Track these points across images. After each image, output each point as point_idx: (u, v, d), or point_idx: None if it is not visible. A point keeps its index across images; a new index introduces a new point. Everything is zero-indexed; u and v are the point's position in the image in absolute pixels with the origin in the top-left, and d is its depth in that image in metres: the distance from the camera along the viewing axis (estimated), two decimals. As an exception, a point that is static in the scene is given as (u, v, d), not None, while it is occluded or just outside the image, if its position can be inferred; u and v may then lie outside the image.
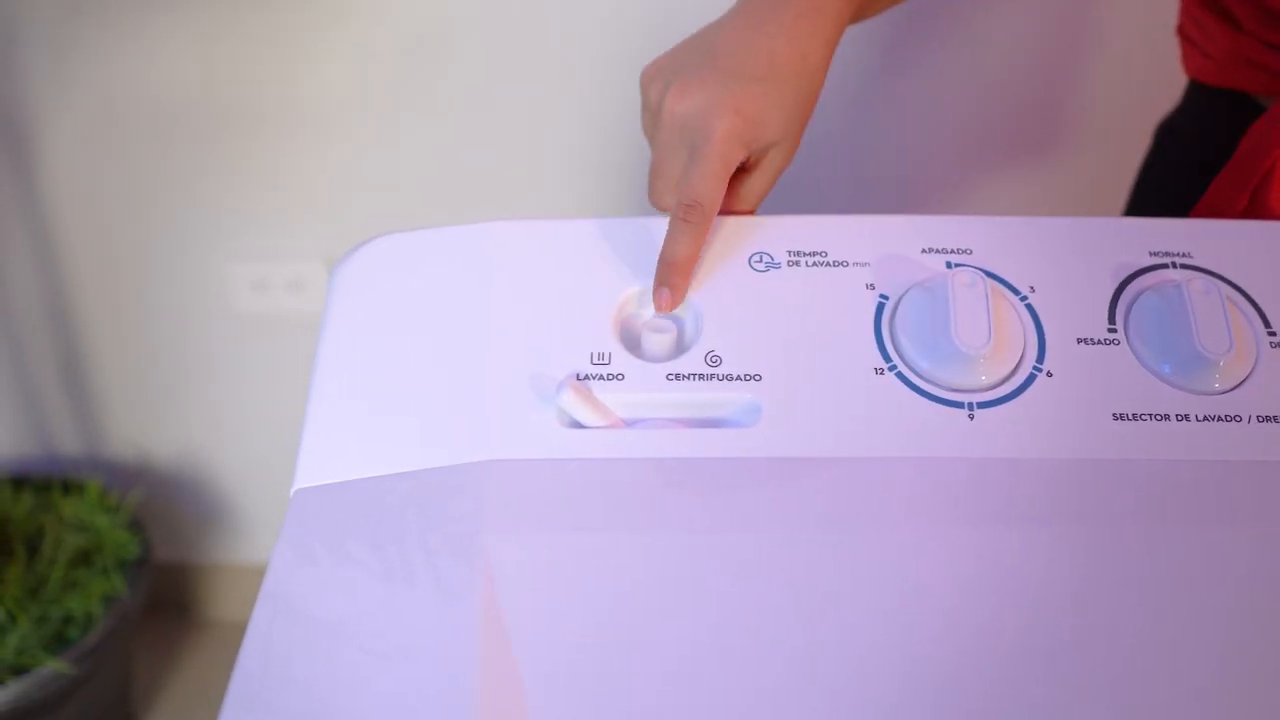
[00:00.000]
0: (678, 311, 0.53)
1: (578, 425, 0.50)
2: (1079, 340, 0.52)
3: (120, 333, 1.29)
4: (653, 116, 0.55)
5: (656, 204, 0.55)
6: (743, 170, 0.55)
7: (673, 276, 0.52)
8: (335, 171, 1.17)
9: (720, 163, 0.52)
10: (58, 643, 1.15)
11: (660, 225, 0.55)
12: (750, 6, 0.55)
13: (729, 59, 0.54)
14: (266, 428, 1.34)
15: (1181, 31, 0.71)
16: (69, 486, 1.30)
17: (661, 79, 0.55)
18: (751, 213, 0.57)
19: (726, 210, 0.56)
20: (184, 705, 1.37)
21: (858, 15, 0.59)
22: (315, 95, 1.12)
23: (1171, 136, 0.75)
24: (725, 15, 0.56)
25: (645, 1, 1.04)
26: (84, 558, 1.22)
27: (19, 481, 1.30)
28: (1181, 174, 0.73)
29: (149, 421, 1.35)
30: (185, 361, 1.30)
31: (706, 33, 0.56)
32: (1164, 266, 0.54)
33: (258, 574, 1.40)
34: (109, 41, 1.10)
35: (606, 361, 0.51)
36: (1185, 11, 0.70)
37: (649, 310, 0.53)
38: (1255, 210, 0.59)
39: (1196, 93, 0.72)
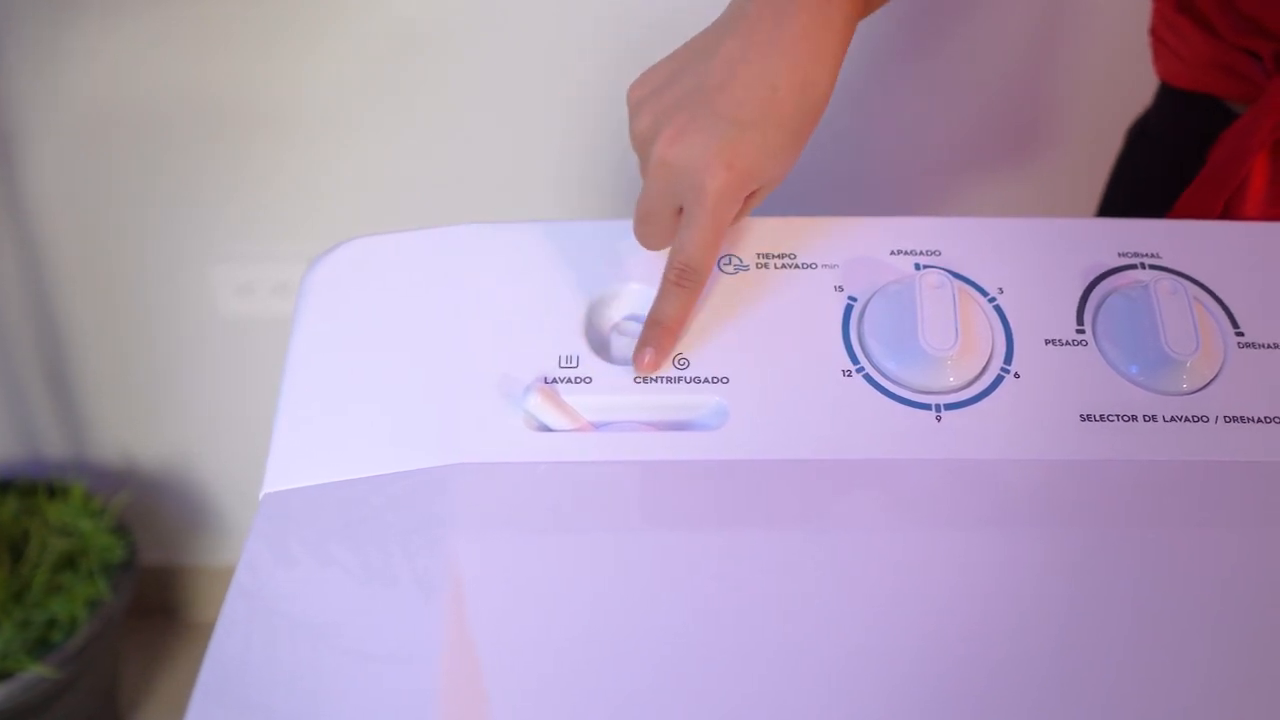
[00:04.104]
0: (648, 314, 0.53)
1: (545, 428, 0.50)
2: (1047, 341, 0.52)
3: (105, 336, 1.29)
4: (641, 146, 0.52)
5: (643, 244, 0.53)
6: None
7: (662, 338, 0.51)
8: (321, 175, 1.17)
9: (714, 227, 0.50)
10: (42, 647, 1.15)
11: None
12: (749, 22, 0.51)
13: (725, 97, 0.49)
14: (252, 431, 1.34)
15: (1154, 33, 0.71)
16: (54, 490, 1.29)
17: (650, 112, 0.51)
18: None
19: None
20: (171, 708, 1.37)
21: (868, 7, 0.56)
22: (302, 99, 1.12)
23: (1144, 138, 0.75)
24: (721, 29, 0.52)
25: (639, 5, 1.04)
26: (68, 561, 1.21)
27: (3, 485, 1.30)
28: (1153, 175, 0.73)
29: (134, 425, 1.35)
30: (171, 365, 1.30)
31: (699, 54, 0.51)
32: (1133, 267, 0.54)
33: (243, 577, 1.40)
34: (94, 45, 1.09)
35: (574, 364, 0.51)
36: (1158, 14, 0.70)
37: (617, 313, 0.53)
38: (1229, 220, 0.59)
39: (1168, 94, 0.72)
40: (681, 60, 0.52)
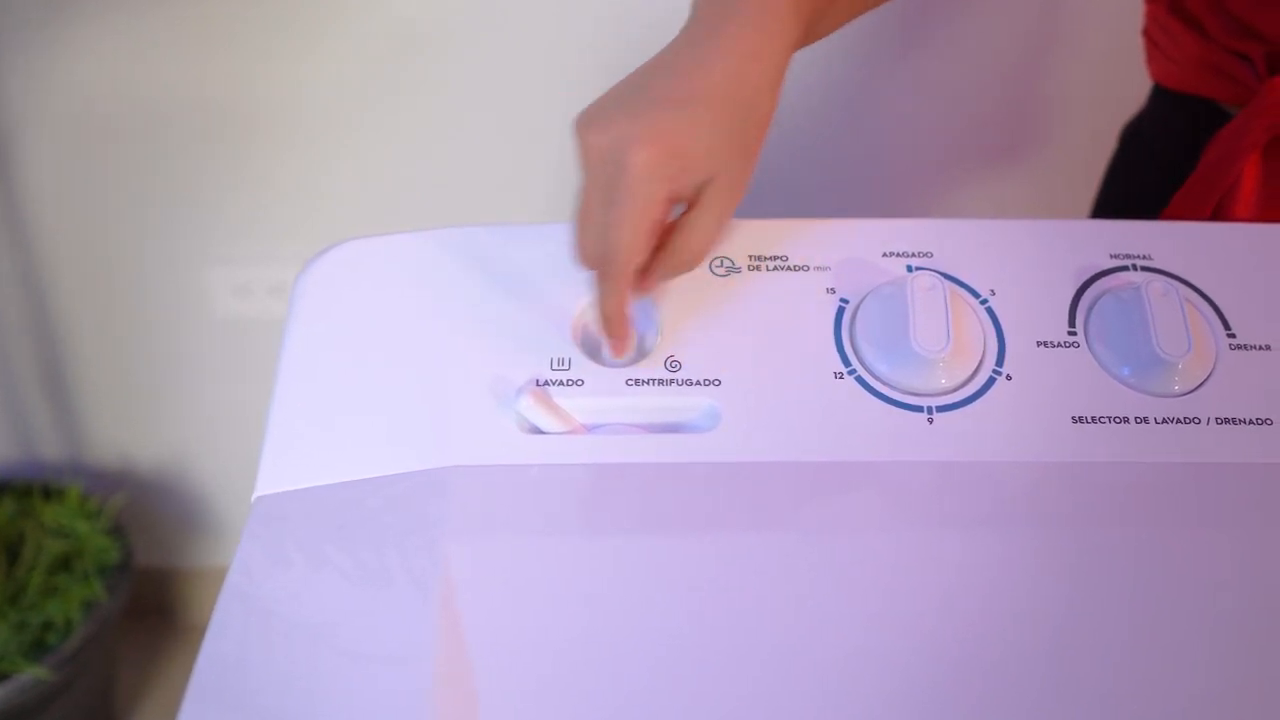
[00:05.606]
0: (639, 316, 0.53)
1: (537, 431, 0.50)
2: (1039, 343, 0.52)
3: (102, 337, 1.29)
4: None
5: (577, 255, 0.50)
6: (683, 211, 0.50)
7: (607, 328, 0.50)
8: (320, 176, 1.17)
9: (637, 203, 0.47)
10: (37, 649, 1.15)
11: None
12: (691, 30, 0.51)
13: (656, 84, 0.49)
14: (249, 432, 1.33)
15: (1147, 35, 0.71)
16: (50, 491, 1.29)
17: (587, 121, 0.49)
18: (697, 261, 0.51)
19: (668, 260, 0.50)
20: (167, 710, 1.37)
21: (808, 36, 0.54)
22: (301, 99, 1.12)
23: (1137, 139, 0.75)
24: (669, 43, 0.51)
25: (639, 5, 1.04)
26: (64, 563, 1.21)
27: None
28: (1146, 177, 0.73)
29: (130, 426, 1.35)
30: (167, 366, 1.30)
31: (644, 64, 0.51)
32: (1124, 269, 0.54)
33: (239, 579, 1.40)
34: (91, 45, 1.09)
35: (566, 367, 0.51)
36: (1151, 16, 0.70)
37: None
38: (1220, 221, 0.59)
39: (1161, 96, 0.72)
40: (623, 80, 0.51)
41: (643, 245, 0.48)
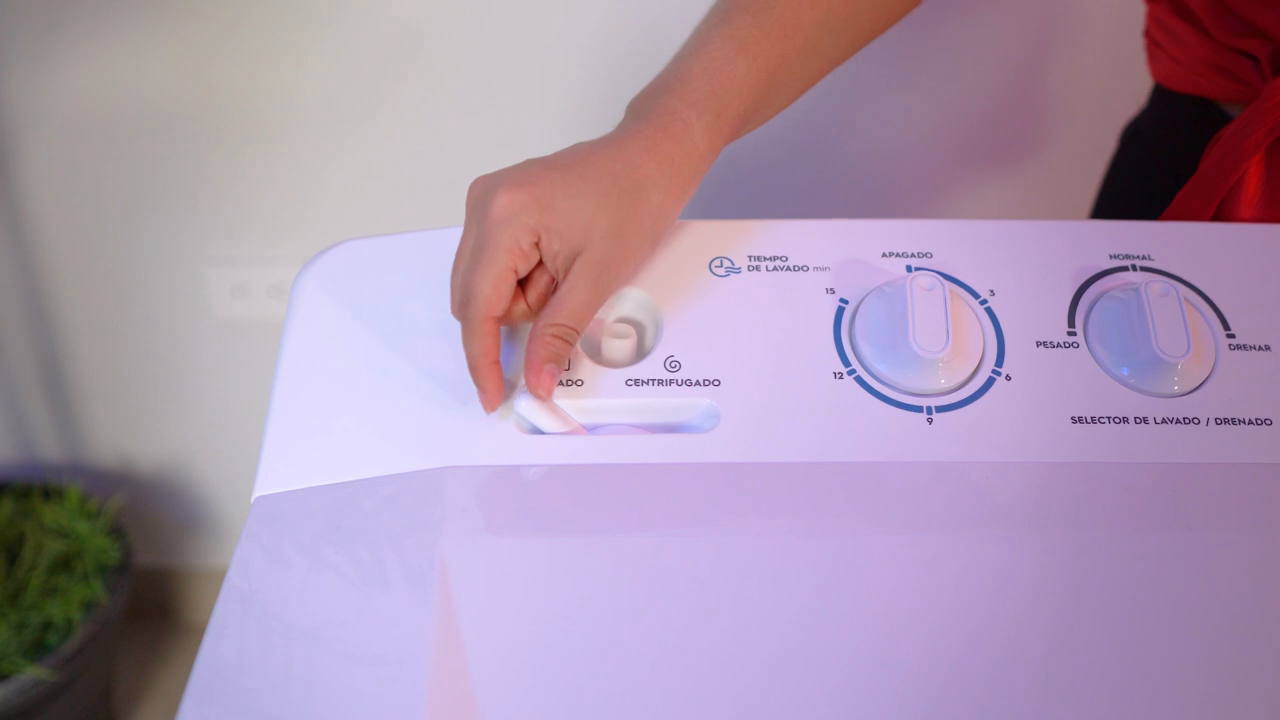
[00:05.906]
0: (639, 316, 0.53)
1: (537, 431, 0.50)
2: (1038, 343, 0.52)
3: (101, 338, 1.29)
4: None
5: (454, 310, 0.49)
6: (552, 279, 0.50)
7: (474, 378, 0.49)
8: (318, 177, 1.17)
9: (497, 247, 0.47)
10: (37, 649, 1.15)
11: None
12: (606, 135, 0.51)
13: (547, 158, 0.50)
14: (247, 433, 1.34)
15: (1149, 35, 0.71)
16: (49, 492, 1.29)
17: (478, 178, 0.51)
18: (568, 335, 0.49)
19: (539, 333, 0.49)
20: (166, 710, 1.37)
21: (739, 130, 0.54)
22: (299, 100, 1.12)
23: (1138, 140, 0.75)
24: None
25: (638, 5, 1.04)
26: (64, 564, 1.21)
27: (-1, 487, 1.30)
28: (1147, 177, 0.73)
29: (130, 427, 1.35)
30: (166, 367, 1.30)
31: None
32: (1124, 269, 0.54)
33: (239, 579, 1.40)
34: (88, 46, 1.09)
35: (566, 367, 0.51)
36: (1152, 16, 0.70)
37: (609, 315, 0.53)
38: (1223, 222, 0.59)
39: (1162, 96, 0.72)
40: None
41: (500, 293, 0.48)
